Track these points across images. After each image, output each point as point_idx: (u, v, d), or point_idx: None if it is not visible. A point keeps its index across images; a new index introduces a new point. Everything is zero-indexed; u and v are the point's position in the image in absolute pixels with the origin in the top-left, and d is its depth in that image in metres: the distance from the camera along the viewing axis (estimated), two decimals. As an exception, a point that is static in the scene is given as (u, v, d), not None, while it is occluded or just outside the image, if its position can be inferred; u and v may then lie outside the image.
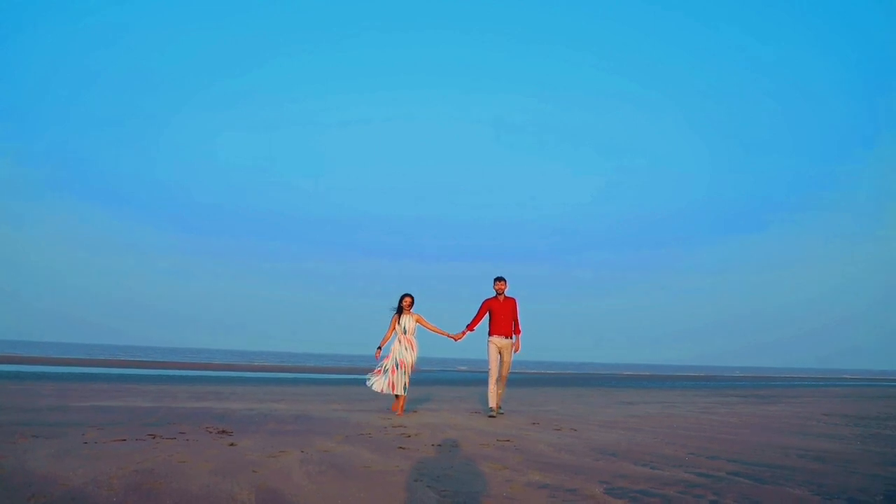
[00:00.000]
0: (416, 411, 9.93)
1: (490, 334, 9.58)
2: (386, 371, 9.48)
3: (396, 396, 9.57)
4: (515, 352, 9.72)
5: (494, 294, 9.66)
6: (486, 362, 9.69)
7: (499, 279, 9.67)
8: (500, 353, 9.54)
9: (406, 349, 9.46)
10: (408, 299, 9.67)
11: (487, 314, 9.64)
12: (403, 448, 5.96)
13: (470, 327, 9.62)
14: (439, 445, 6.20)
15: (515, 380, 28.07)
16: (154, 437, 6.20)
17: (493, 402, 9.47)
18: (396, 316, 9.68)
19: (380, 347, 9.52)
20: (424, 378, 27.33)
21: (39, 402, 10.09)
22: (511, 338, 9.60)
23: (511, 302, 9.64)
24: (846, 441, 7.00)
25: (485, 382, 9.93)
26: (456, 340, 9.66)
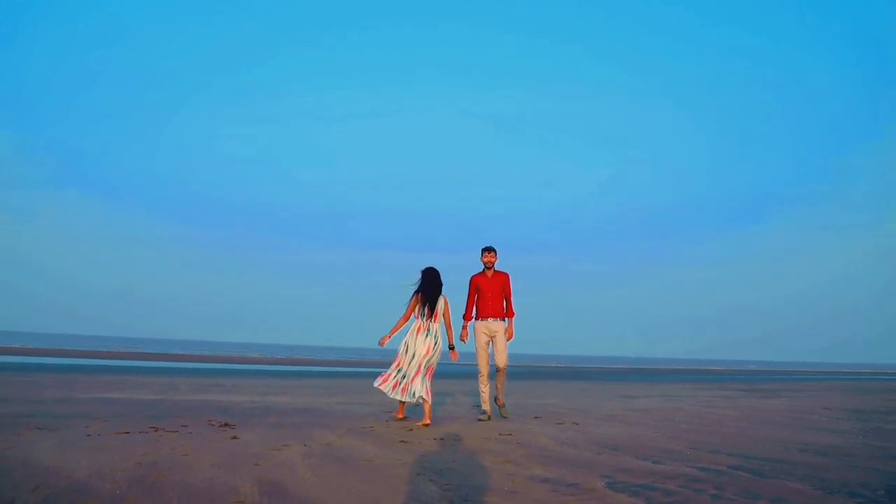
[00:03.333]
0: (417, 405, 9.89)
1: (476, 318, 8.07)
2: (402, 372, 7.46)
3: (415, 402, 7.51)
4: (508, 339, 8.07)
5: (482, 268, 8.11)
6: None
7: (487, 249, 8.02)
8: (490, 340, 8.03)
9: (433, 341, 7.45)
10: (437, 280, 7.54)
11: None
12: (406, 442, 5.98)
13: (467, 317, 8.14)
14: (441, 439, 6.22)
15: (517, 373, 28.06)
16: (157, 429, 6.23)
17: (486, 405, 7.97)
18: (419, 295, 7.49)
19: (389, 335, 7.46)
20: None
21: (43, 393, 10.13)
22: (503, 320, 8.03)
23: (502, 277, 8.06)
24: (847, 435, 7.01)
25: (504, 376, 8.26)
26: (463, 341, 8.08)
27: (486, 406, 7.98)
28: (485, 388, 8.02)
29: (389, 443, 5.89)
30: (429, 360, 7.44)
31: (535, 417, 8.31)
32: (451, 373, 27.00)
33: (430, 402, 7.34)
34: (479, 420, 7.83)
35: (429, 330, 7.46)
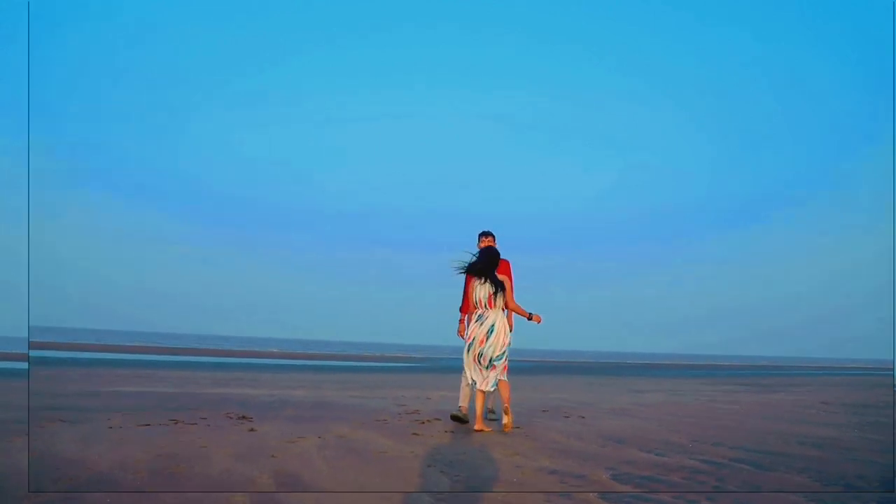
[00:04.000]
0: (429, 398, 10.07)
1: (470, 310, 6.75)
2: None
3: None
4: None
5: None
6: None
7: (484, 234, 7.07)
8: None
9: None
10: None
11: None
12: (418, 434, 6.13)
13: (464, 310, 7.02)
14: (452, 432, 6.37)
15: (526, 368, 28.19)
16: (176, 422, 6.40)
17: (463, 401, 6.94)
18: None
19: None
20: (439, 366, 27.55)
21: (66, 387, 10.35)
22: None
23: (501, 264, 6.92)
24: (845, 429, 7.10)
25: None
26: (460, 336, 7.00)
27: (463, 402, 6.95)
28: (466, 386, 6.90)
29: (402, 435, 6.03)
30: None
31: (543, 411, 8.44)
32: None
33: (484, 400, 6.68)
34: (454, 418, 6.90)
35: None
